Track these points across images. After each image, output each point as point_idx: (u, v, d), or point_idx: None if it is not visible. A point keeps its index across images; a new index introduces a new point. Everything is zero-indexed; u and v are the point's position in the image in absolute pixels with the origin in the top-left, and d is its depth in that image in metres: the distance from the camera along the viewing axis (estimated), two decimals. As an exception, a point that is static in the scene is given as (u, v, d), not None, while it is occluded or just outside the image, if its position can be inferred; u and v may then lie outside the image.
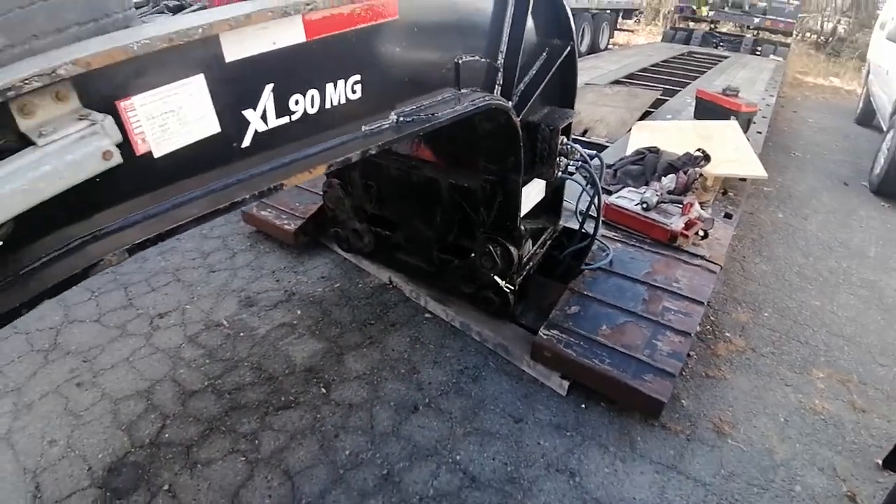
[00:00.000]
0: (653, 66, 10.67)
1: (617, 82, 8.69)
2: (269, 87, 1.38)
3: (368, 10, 1.57)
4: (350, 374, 3.07)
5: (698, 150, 4.05)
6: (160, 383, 3.02)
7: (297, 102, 1.46)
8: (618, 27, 18.01)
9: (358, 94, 1.63)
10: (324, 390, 2.96)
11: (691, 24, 16.61)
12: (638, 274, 3.19)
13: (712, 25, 16.46)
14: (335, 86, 1.56)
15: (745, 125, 5.27)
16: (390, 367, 3.11)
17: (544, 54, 2.67)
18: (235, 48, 1.27)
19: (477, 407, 2.86)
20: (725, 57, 12.56)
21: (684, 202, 3.44)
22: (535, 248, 3.27)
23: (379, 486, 2.45)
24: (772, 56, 13.72)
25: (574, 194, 3.34)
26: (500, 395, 2.93)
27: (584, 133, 6.03)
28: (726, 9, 15.81)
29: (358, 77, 1.61)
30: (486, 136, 2.60)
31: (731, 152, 4.41)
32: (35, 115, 0.98)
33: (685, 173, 3.79)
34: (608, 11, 16.02)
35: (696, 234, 3.39)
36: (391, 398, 2.91)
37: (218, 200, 1.30)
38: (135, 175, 1.16)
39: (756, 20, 15.28)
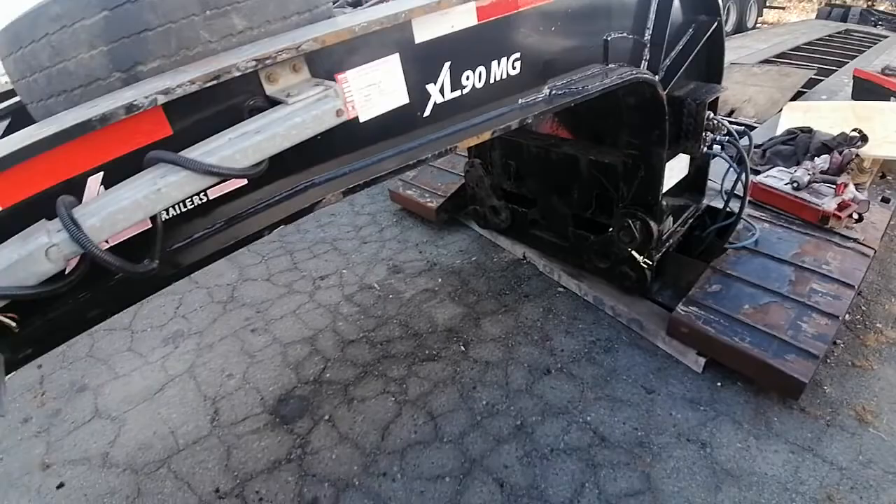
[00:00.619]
0: (806, 44, 9.76)
1: (766, 62, 8.09)
2: (447, 64, 1.61)
3: (529, -6, 1.76)
4: (486, 337, 3.31)
5: (854, 129, 3.78)
6: (322, 332, 3.47)
7: (467, 78, 1.68)
8: (767, 5, 16.62)
9: (517, 70, 1.82)
10: (463, 348, 3.23)
11: (848, 0, 14.96)
12: (785, 254, 3.09)
13: (870, 2, 14.73)
14: (499, 63, 1.76)
15: (907, 106, 4.77)
16: (524, 333, 3.31)
17: (690, 30, 2.69)
18: (423, 31, 1.52)
19: (609, 376, 2.97)
20: (885, 36, 11.18)
21: (838, 182, 3.25)
22: (675, 225, 3.27)
23: (513, 434, 2.66)
24: None
25: (720, 175, 3.29)
26: (632, 367, 3.01)
27: (731, 113, 5.77)
28: None
29: (518, 55, 1.80)
30: (630, 110, 2.68)
31: (893, 134, 4.04)
32: (278, 82, 1.26)
33: (840, 153, 3.56)
34: (755, -12, 14.86)
35: (850, 216, 3.19)
36: (525, 360, 3.11)
37: (407, 158, 1.58)
38: (345, 136, 1.44)
39: None
